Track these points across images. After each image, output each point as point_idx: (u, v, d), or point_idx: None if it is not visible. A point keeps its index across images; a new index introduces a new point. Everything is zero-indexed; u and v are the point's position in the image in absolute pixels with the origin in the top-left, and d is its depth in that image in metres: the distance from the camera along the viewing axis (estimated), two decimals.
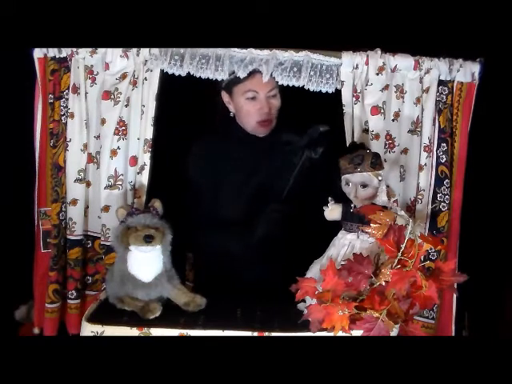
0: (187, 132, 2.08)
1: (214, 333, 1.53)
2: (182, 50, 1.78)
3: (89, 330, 1.55)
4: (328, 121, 1.88)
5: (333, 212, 1.66)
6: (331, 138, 1.85)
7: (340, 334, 1.44)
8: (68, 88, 1.81)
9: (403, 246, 1.44)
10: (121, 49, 1.78)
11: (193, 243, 2.06)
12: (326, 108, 1.88)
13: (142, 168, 1.86)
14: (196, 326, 1.56)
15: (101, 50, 1.79)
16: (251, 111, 1.91)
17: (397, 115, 1.85)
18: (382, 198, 1.65)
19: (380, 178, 1.63)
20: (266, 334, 1.53)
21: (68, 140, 1.83)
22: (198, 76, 1.80)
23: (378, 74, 1.81)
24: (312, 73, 1.79)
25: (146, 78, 1.82)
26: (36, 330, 1.88)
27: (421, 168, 1.84)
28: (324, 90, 1.81)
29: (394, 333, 1.46)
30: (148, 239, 1.61)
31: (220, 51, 1.77)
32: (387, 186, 1.72)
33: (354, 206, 1.64)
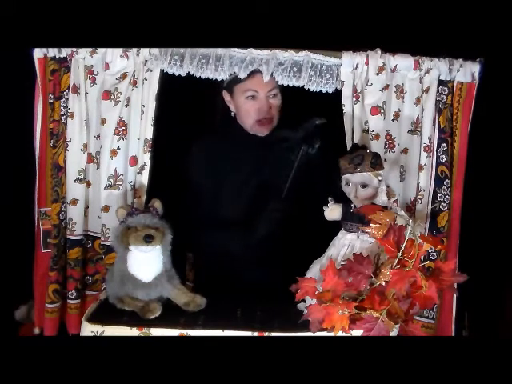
0: (187, 132, 2.08)
1: (214, 333, 1.53)
2: (181, 50, 1.78)
3: (89, 330, 1.55)
4: (328, 121, 1.87)
5: (333, 212, 1.66)
6: (329, 133, 1.84)
7: (340, 333, 1.44)
8: (68, 88, 1.81)
9: (403, 246, 1.44)
10: (121, 49, 1.79)
11: (193, 243, 2.06)
12: (325, 108, 1.87)
13: (142, 168, 1.86)
14: (196, 325, 1.56)
15: (101, 50, 1.79)
16: (250, 110, 1.91)
17: (397, 115, 1.85)
18: (382, 198, 1.65)
19: (380, 178, 1.63)
20: (266, 334, 1.53)
21: (68, 140, 1.83)
22: (198, 76, 1.80)
23: (378, 74, 1.81)
24: (312, 73, 1.79)
25: (145, 78, 1.82)
26: (36, 330, 1.88)
27: (421, 168, 1.84)
28: (324, 90, 1.82)
29: (394, 333, 1.46)
30: (148, 239, 1.61)
31: (220, 51, 1.78)
32: (387, 186, 1.72)
33: (354, 206, 1.64)
